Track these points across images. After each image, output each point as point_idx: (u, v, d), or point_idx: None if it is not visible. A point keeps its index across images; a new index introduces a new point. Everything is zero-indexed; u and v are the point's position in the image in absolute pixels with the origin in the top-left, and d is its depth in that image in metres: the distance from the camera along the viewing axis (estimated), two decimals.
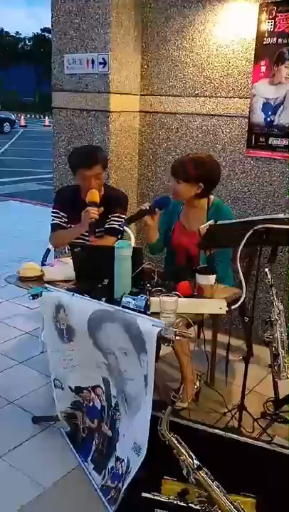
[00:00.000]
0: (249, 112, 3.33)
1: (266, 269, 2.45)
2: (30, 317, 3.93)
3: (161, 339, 1.93)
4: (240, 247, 2.03)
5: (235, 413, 2.55)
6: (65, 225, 3.03)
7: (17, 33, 57.89)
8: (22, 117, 30.30)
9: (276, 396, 2.70)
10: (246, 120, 3.36)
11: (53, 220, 3.08)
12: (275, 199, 3.34)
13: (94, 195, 2.82)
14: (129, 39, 3.63)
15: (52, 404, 2.68)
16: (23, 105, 38.87)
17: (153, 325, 1.95)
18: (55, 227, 3.07)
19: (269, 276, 2.46)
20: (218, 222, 2.17)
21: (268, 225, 1.97)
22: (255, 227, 1.98)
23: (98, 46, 3.58)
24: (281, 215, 2.07)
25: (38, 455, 2.45)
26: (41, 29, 55.40)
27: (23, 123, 28.78)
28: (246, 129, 3.38)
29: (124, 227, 3.06)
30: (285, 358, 2.52)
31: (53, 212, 3.10)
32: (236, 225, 2.14)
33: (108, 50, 3.52)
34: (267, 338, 2.56)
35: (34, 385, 3.02)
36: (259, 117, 3.30)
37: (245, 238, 2.01)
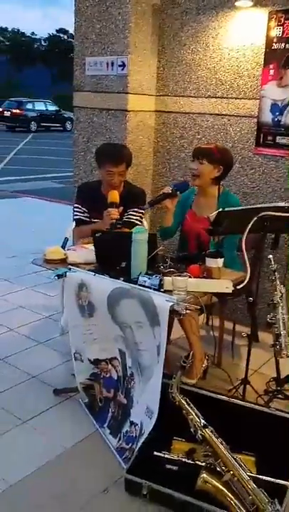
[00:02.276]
0: (258, 112, 3.56)
1: (269, 256, 2.68)
2: (50, 303, 4.19)
3: (173, 313, 2.18)
4: (246, 232, 2.26)
5: (239, 387, 2.78)
6: (87, 219, 3.26)
7: (32, 33, 58.47)
8: None
9: (278, 374, 2.92)
10: (255, 120, 3.58)
11: (75, 215, 3.31)
12: (281, 194, 3.56)
13: (114, 195, 3.03)
14: (146, 43, 3.87)
15: (70, 379, 2.93)
16: None
17: (166, 300, 2.19)
18: (78, 222, 3.30)
19: (272, 262, 2.68)
20: (225, 209, 2.40)
21: (271, 213, 2.20)
22: (260, 214, 2.21)
23: (118, 50, 3.83)
24: (281, 203, 2.29)
25: (59, 421, 2.69)
26: (56, 30, 55.89)
27: None
28: (255, 128, 3.60)
29: (143, 221, 3.31)
30: (286, 338, 2.74)
31: (75, 207, 3.33)
32: (242, 212, 2.37)
33: (127, 54, 3.77)
34: (270, 319, 2.78)
35: (54, 362, 3.26)
36: (267, 117, 3.53)
37: (250, 224, 2.23)
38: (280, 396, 2.89)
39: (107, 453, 2.44)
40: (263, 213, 2.21)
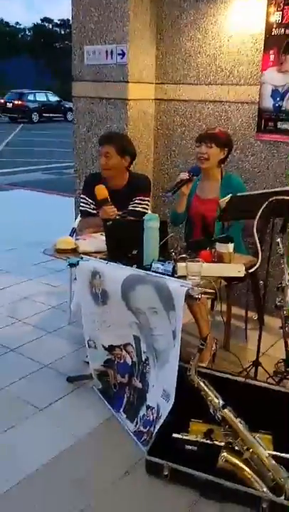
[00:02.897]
0: (259, 98, 3.58)
1: (278, 239, 2.72)
2: (55, 293, 4.22)
3: (188, 297, 2.22)
4: (257, 217, 2.30)
5: (250, 369, 2.84)
6: (92, 211, 3.27)
7: (17, 23, 57.64)
8: None
9: (287, 356, 2.98)
10: (256, 106, 3.61)
11: (82, 206, 3.34)
12: (282, 179, 3.59)
13: (101, 191, 3.05)
14: (145, 31, 3.87)
15: (81, 366, 2.98)
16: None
17: (181, 285, 2.23)
18: (83, 213, 3.33)
19: (280, 246, 2.72)
20: (237, 194, 2.43)
21: (282, 197, 2.24)
22: (271, 199, 2.25)
23: (116, 38, 3.82)
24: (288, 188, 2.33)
25: (74, 409, 2.73)
26: (41, 19, 55.13)
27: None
28: (256, 114, 3.62)
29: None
30: None
31: (81, 198, 3.36)
32: (253, 197, 2.41)
33: (126, 42, 3.77)
34: (278, 302, 2.83)
35: (64, 351, 3.30)
36: (268, 103, 3.55)
37: (261, 209, 2.27)
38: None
39: (125, 437, 2.49)
40: (273, 198, 2.25)
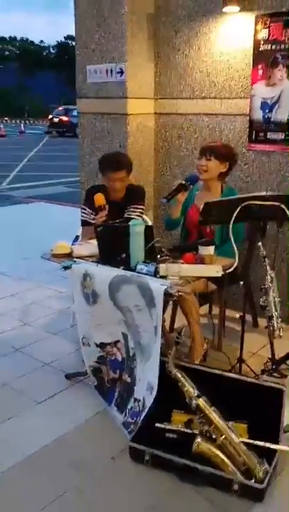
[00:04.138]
0: (249, 110, 3.77)
1: (259, 243, 2.89)
2: (61, 298, 4.45)
3: (167, 295, 2.41)
4: (232, 221, 2.48)
5: (236, 366, 2.99)
6: (92, 220, 3.49)
7: (41, 41, 59.19)
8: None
9: (272, 354, 3.13)
10: (247, 118, 3.80)
11: (82, 216, 3.58)
12: (274, 187, 3.76)
13: (99, 199, 3.28)
14: (143, 50, 4.11)
15: (80, 365, 3.18)
16: (48, 112, 39.88)
17: (161, 284, 2.43)
18: (83, 223, 3.56)
19: (262, 249, 2.89)
20: (211, 200, 2.62)
21: (254, 202, 2.42)
22: (243, 204, 2.42)
23: (116, 57, 4.07)
24: (263, 193, 2.50)
25: (71, 402, 2.93)
26: (64, 37, 56.41)
27: (48, 129, 29.73)
28: (247, 125, 3.81)
29: (144, 217, 3.55)
30: (278, 319, 2.95)
31: (82, 209, 3.60)
32: (227, 202, 2.59)
33: (125, 61, 4.01)
34: (262, 302, 2.99)
35: (65, 351, 3.51)
36: (258, 115, 3.74)
37: (235, 213, 2.45)
38: (275, 374, 3.09)
39: (114, 428, 2.68)
40: (246, 202, 2.43)
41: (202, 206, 2.58)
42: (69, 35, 56.15)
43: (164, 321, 3.24)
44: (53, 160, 16.90)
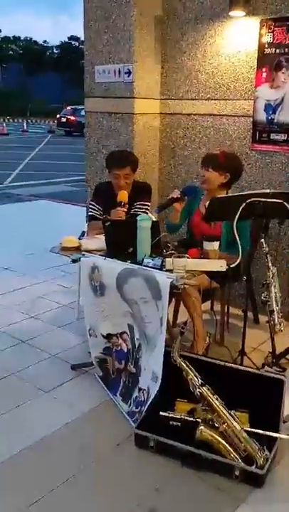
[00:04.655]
0: (253, 111, 3.87)
1: (261, 240, 2.98)
2: (67, 293, 4.54)
3: (173, 287, 2.50)
4: (236, 217, 2.57)
5: (237, 359, 3.08)
6: (99, 216, 3.60)
7: (45, 41, 59.39)
8: (52, 123, 31.46)
9: (273, 348, 3.22)
10: (251, 119, 3.89)
11: (90, 211, 3.67)
12: (276, 186, 3.85)
13: (123, 195, 3.39)
14: (150, 51, 4.21)
15: (86, 357, 3.27)
16: (50, 112, 40.04)
17: (167, 277, 2.53)
18: (91, 218, 3.65)
19: (264, 245, 2.98)
20: (216, 197, 2.71)
21: (257, 199, 2.51)
22: (247, 201, 2.52)
23: (124, 58, 4.17)
24: (266, 190, 2.60)
25: (76, 392, 3.02)
26: (68, 37, 56.57)
27: (51, 128, 29.94)
28: (251, 126, 3.91)
29: (149, 214, 3.63)
30: (279, 314, 3.04)
31: (90, 204, 3.69)
32: (232, 199, 2.69)
33: (132, 62, 4.11)
34: (264, 298, 3.08)
35: (71, 343, 3.60)
36: (261, 116, 3.83)
37: (240, 210, 2.55)
38: (275, 368, 3.18)
39: (119, 417, 2.77)
40: (250, 200, 2.52)
41: (207, 203, 2.67)
42: (72, 35, 56.33)
43: (186, 322, 3.35)
44: (56, 159, 16.99)
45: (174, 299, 3.43)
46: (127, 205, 3.35)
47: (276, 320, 3.04)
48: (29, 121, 37.62)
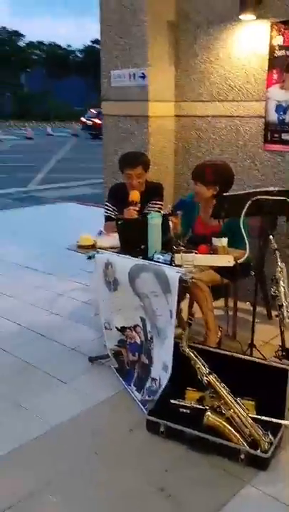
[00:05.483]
0: (265, 112, 3.97)
1: (270, 236, 3.08)
2: (86, 291, 4.71)
3: (182, 281, 2.64)
4: (242, 214, 2.69)
5: (247, 351, 3.19)
6: (114, 216, 3.75)
7: (68, 45, 60.18)
8: (76, 126, 31.84)
9: (283, 341, 3.31)
10: (263, 120, 4.00)
11: (105, 212, 3.84)
12: (287, 185, 3.94)
13: (135, 195, 3.53)
14: (164, 55, 4.35)
15: (103, 350, 3.42)
16: (74, 115, 40.57)
17: (176, 272, 2.66)
18: (107, 218, 3.82)
19: (273, 242, 3.09)
20: (223, 194, 2.83)
21: (262, 196, 2.62)
22: (253, 198, 2.63)
23: (138, 62, 4.32)
24: (271, 188, 2.70)
25: (93, 382, 3.18)
26: (91, 41, 57.12)
27: (75, 132, 30.33)
28: (263, 127, 4.01)
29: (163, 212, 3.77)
30: (288, 308, 3.13)
31: (105, 205, 3.86)
32: (238, 196, 2.80)
33: (147, 66, 4.26)
34: (273, 292, 3.19)
35: (89, 337, 3.76)
36: (273, 117, 3.93)
37: (246, 207, 2.66)
38: (285, 361, 3.27)
39: (133, 405, 2.91)
40: (255, 197, 2.63)
41: (215, 200, 2.79)
42: (96, 39, 56.73)
43: (180, 311, 3.48)
44: (80, 162, 17.25)
45: (188, 295, 3.55)
46: (139, 204, 3.49)
47: (285, 314, 3.13)
48: (53, 124, 38.15)
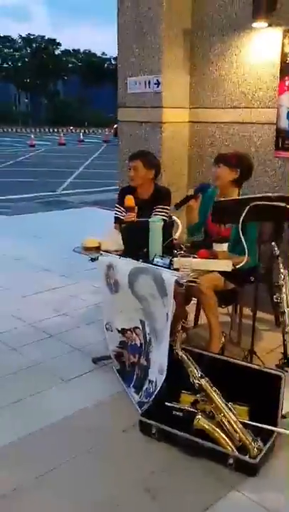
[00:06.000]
0: (276, 119, 3.96)
1: (273, 243, 3.08)
2: (98, 293, 4.75)
3: (178, 284, 2.66)
4: (240, 220, 2.70)
5: (248, 357, 3.18)
6: (122, 217, 3.81)
7: (103, 53, 60.94)
8: (107, 132, 32.23)
9: (285, 349, 3.28)
10: (274, 126, 4.00)
11: (115, 213, 3.90)
12: None
13: (129, 201, 3.57)
14: (179, 62, 4.40)
15: (107, 352, 3.47)
16: (107, 122, 41.03)
17: (172, 275, 2.69)
18: (116, 219, 3.88)
19: (275, 248, 3.08)
20: (219, 200, 2.84)
21: (260, 202, 2.62)
22: (250, 204, 2.64)
23: (153, 70, 4.39)
24: (269, 194, 2.70)
25: (94, 382, 3.23)
26: None
27: (106, 138, 30.68)
28: (274, 133, 4.00)
29: (174, 218, 3.81)
30: None
31: (115, 207, 3.92)
32: (235, 202, 2.81)
33: (161, 73, 4.32)
34: (276, 299, 3.18)
35: (96, 339, 3.79)
36: (284, 124, 3.93)
37: (244, 213, 2.67)
38: (287, 369, 3.24)
39: (130, 406, 2.94)
40: (253, 203, 2.64)
41: (212, 205, 2.81)
42: None
43: (186, 317, 3.50)
44: (107, 168, 17.42)
45: (195, 301, 3.56)
46: (136, 208, 3.52)
47: (287, 321, 3.12)
48: (86, 131, 38.69)
